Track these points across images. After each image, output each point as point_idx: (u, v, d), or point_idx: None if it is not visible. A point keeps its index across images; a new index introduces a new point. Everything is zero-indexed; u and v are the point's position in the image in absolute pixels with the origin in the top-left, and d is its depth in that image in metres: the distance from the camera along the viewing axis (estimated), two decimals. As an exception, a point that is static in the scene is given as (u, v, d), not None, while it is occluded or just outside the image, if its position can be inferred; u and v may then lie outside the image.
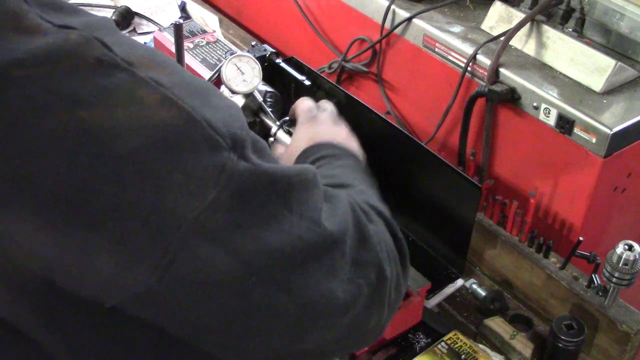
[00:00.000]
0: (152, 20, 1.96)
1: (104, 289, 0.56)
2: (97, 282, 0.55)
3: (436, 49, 1.48)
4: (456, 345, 1.17)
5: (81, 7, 0.59)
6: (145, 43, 1.81)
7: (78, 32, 0.53)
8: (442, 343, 1.18)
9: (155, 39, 1.52)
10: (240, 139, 0.59)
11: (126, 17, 1.93)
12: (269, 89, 1.33)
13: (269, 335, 0.64)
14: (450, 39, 1.44)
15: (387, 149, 1.30)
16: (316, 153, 0.96)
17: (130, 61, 0.55)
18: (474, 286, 1.30)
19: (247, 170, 0.58)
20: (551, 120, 1.29)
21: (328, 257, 0.65)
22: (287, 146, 1.08)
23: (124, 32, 1.92)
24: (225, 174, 0.56)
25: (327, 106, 1.13)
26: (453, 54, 1.44)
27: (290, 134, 1.23)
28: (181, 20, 1.10)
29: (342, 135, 1.04)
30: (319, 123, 1.06)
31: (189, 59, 1.38)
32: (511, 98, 1.34)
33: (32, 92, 0.50)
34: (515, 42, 1.40)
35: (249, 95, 1.28)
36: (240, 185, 0.57)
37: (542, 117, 1.30)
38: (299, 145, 1.01)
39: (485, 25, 1.47)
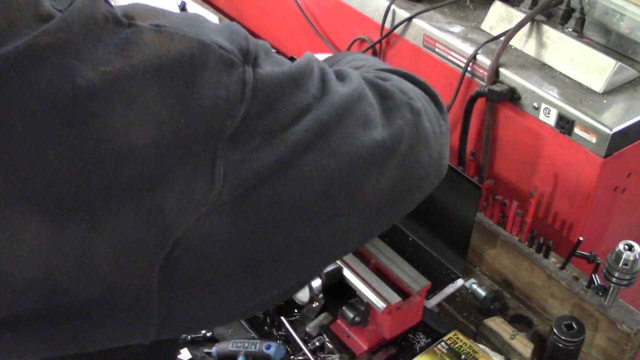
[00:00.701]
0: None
1: (171, 220, 0.58)
2: (164, 217, 0.57)
3: (436, 49, 1.48)
4: (456, 345, 1.17)
5: None
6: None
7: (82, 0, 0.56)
8: (442, 343, 1.18)
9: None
10: (250, 51, 0.62)
11: (126, 17, 1.93)
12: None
13: (331, 194, 0.67)
14: (450, 39, 1.44)
15: (387, 149, 1.30)
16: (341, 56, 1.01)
17: (129, 15, 0.58)
18: (474, 286, 1.30)
19: (265, 76, 0.61)
20: (551, 120, 1.29)
21: (358, 110, 0.70)
22: None
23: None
24: (247, 86, 0.59)
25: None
26: (453, 54, 1.44)
27: None
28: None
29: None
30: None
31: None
32: (511, 98, 1.34)
33: (58, 60, 0.52)
34: (515, 42, 1.41)
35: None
36: (264, 92, 0.61)
37: (542, 117, 1.30)
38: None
39: (485, 25, 1.47)
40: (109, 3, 0.57)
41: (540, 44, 1.38)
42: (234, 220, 0.61)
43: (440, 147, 0.82)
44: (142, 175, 0.55)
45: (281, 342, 1.20)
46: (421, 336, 1.20)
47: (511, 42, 1.39)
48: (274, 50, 0.68)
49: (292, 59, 1.45)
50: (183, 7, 2.05)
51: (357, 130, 0.69)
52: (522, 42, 1.40)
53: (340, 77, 0.74)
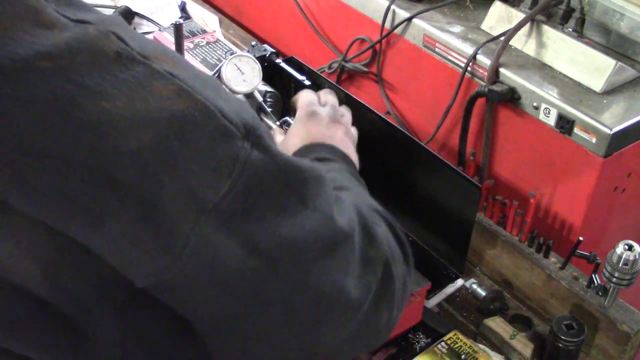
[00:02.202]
0: (152, 20, 1.96)
1: (133, 273, 0.57)
2: (125, 267, 0.56)
3: (436, 49, 1.48)
4: (456, 345, 1.17)
5: (87, 3, 0.60)
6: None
7: (95, 27, 0.54)
8: (442, 343, 1.18)
9: (155, 39, 1.52)
10: (254, 128, 0.59)
11: (126, 17, 1.92)
12: (269, 89, 1.33)
13: (284, 329, 0.64)
14: (450, 39, 1.44)
15: (387, 149, 1.30)
16: (310, 154, 0.97)
17: (145, 54, 0.56)
18: (474, 286, 1.30)
19: (261, 160, 0.59)
20: (551, 120, 1.29)
21: (341, 252, 0.66)
22: (283, 139, 1.08)
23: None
24: (239, 163, 0.57)
25: (329, 98, 1.13)
26: (453, 54, 1.44)
27: None
28: (181, 20, 1.10)
29: (338, 136, 1.03)
30: (316, 121, 1.05)
31: (189, 59, 1.38)
32: (511, 98, 1.34)
33: (58, 84, 0.51)
34: (515, 42, 1.40)
35: (249, 95, 1.28)
36: (254, 175, 0.58)
37: (542, 117, 1.30)
38: (295, 142, 1.01)
39: (485, 25, 1.47)
40: (125, 42, 0.55)
41: (540, 44, 1.38)
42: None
43: (397, 313, 0.78)
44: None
45: (281, 342, 1.20)
46: (421, 336, 1.20)
47: (511, 42, 1.39)
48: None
49: (291, 58, 1.45)
50: (183, 7, 2.05)
51: (334, 270, 0.65)
52: (522, 42, 1.40)
53: (337, 200, 0.70)
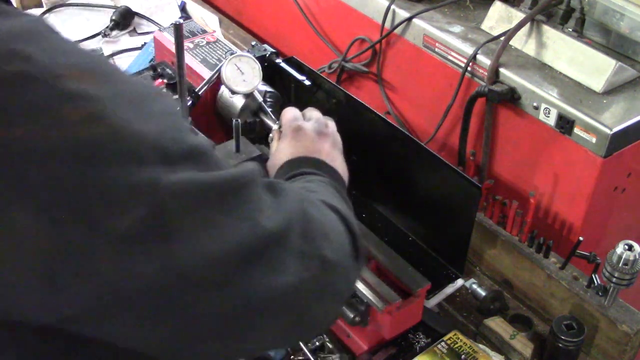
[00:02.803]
0: (152, 20, 1.96)
1: (38, 310, 0.55)
2: (31, 304, 0.55)
3: (436, 49, 1.48)
4: (456, 345, 1.17)
5: (13, 7, 0.57)
6: (145, 43, 1.81)
7: None
8: (442, 343, 1.18)
9: (155, 39, 1.52)
10: (171, 151, 0.58)
11: (126, 17, 1.93)
12: (269, 89, 1.33)
13: (214, 339, 0.64)
14: (450, 39, 1.44)
15: (387, 149, 1.30)
16: (294, 169, 0.97)
17: (56, 73, 0.53)
18: (474, 286, 1.30)
19: (175, 183, 0.57)
20: (551, 120, 1.29)
21: (268, 255, 0.65)
22: (271, 156, 1.07)
23: (123, 32, 1.92)
24: (151, 188, 0.55)
25: (313, 114, 1.11)
26: (453, 54, 1.44)
27: None
28: (181, 20, 1.10)
29: (324, 150, 1.02)
30: (301, 136, 1.04)
31: (189, 59, 1.38)
32: (511, 98, 1.34)
33: None
34: (515, 42, 1.40)
35: (249, 95, 1.28)
36: (168, 199, 0.56)
37: (542, 117, 1.30)
38: (281, 158, 1.01)
39: (485, 25, 1.47)
40: (29, 60, 0.52)
41: (540, 44, 1.38)
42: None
43: (337, 307, 0.78)
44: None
45: (281, 342, 1.20)
46: (421, 336, 1.20)
47: (511, 42, 1.39)
48: (210, 156, 0.64)
49: (291, 58, 1.45)
50: (183, 7, 2.05)
51: (260, 274, 0.64)
52: (522, 42, 1.40)
53: (274, 200, 0.69)
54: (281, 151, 1.03)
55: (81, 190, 0.53)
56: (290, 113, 1.11)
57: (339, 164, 1.02)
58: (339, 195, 0.91)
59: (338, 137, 1.09)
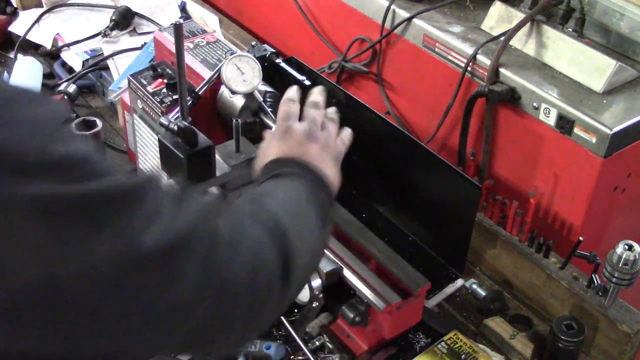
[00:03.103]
0: (152, 20, 1.96)
1: None
2: None
3: (436, 49, 1.48)
4: (456, 345, 1.17)
5: None
6: (145, 43, 1.81)
7: None
8: (442, 343, 1.18)
9: (155, 39, 1.52)
10: (29, 161, 0.54)
11: (126, 17, 1.93)
12: (269, 89, 1.33)
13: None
14: (450, 39, 1.44)
15: (387, 149, 1.30)
16: (275, 169, 0.94)
17: None
18: (474, 286, 1.30)
19: (26, 195, 0.53)
20: (551, 120, 1.29)
21: (147, 274, 0.61)
22: (257, 156, 1.05)
23: (123, 32, 1.92)
24: (2, 199, 0.52)
25: (311, 114, 1.07)
26: (453, 54, 1.44)
27: None
28: (181, 20, 1.10)
29: (312, 151, 0.98)
30: (288, 137, 1.01)
31: (189, 59, 1.38)
32: (511, 98, 1.34)
33: None
34: (515, 42, 1.40)
35: (249, 95, 1.28)
36: (18, 213, 0.53)
37: (542, 117, 1.30)
38: (265, 157, 0.99)
39: (485, 25, 1.47)
40: None
41: (540, 44, 1.38)
42: None
43: (246, 330, 0.74)
44: None
45: (281, 342, 1.20)
46: (421, 336, 1.20)
47: (511, 42, 1.39)
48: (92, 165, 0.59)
49: (291, 58, 1.45)
50: (183, 7, 2.05)
51: (139, 292, 0.60)
52: (522, 42, 1.40)
53: (177, 201, 0.66)
54: (265, 151, 1.02)
55: None
56: (284, 111, 1.07)
57: (329, 169, 0.98)
58: (311, 200, 0.88)
59: (333, 141, 1.04)
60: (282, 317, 1.23)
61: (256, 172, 0.99)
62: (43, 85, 1.77)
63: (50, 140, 0.56)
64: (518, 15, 1.40)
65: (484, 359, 1.16)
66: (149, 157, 1.41)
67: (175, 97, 1.27)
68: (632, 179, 1.35)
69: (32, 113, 0.57)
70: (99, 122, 1.49)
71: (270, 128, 1.26)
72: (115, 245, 0.58)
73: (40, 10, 1.94)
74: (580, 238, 1.18)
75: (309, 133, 1.02)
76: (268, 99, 1.32)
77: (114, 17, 1.90)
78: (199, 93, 1.25)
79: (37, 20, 1.91)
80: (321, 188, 0.93)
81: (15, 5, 1.97)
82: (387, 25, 1.56)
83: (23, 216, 0.53)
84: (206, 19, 2.01)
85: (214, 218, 0.70)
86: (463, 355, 1.16)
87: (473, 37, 1.45)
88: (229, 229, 0.70)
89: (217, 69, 1.27)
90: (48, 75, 1.82)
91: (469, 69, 1.40)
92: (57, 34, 1.89)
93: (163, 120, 1.13)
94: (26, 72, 1.75)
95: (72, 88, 1.71)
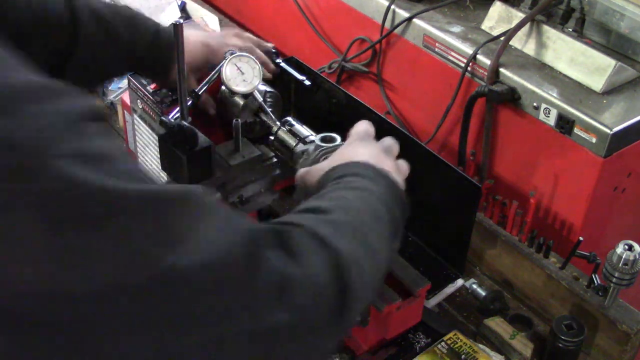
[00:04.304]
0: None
1: None
2: None
3: (436, 49, 1.48)
4: (456, 345, 1.17)
5: None
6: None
7: None
8: (442, 343, 1.18)
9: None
10: (31, 153, 0.50)
11: (126, 17, 1.93)
12: (269, 89, 1.33)
13: None
14: (450, 39, 1.44)
15: (387, 149, 1.29)
16: (344, 169, 0.90)
17: None
18: (474, 286, 1.30)
19: (29, 188, 0.50)
20: (551, 120, 1.29)
21: (163, 304, 0.54)
22: (330, 158, 1.01)
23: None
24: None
25: (388, 141, 1.05)
26: (453, 54, 1.44)
27: (291, 133, 1.22)
28: (181, 20, 1.10)
29: (386, 164, 0.95)
30: (367, 145, 0.99)
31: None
32: (511, 98, 1.34)
33: None
34: (515, 42, 1.41)
35: (249, 95, 1.28)
36: (12, 204, 0.49)
37: (542, 117, 1.30)
38: (327, 163, 0.95)
39: (485, 25, 1.47)
40: None
41: (540, 44, 1.38)
42: None
43: None
44: None
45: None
46: (421, 336, 1.20)
47: (511, 42, 1.39)
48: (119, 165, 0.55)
49: (291, 58, 1.45)
50: (183, 7, 2.05)
51: (148, 326, 0.54)
52: (522, 42, 1.40)
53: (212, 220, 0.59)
54: (340, 153, 0.99)
55: None
56: (364, 126, 1.06)
57: (400, 181, 0.95)
58: (388, 210, 0.83)
59: (403, 166, 1.02)
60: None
61: (312, 176, 0.96)
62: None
63: (46, 136, 0.52)
64: (518, 15, 1.40)
65: (484, 359, 1.16)
66: (149, 157, 1.41)
67: (175, 97, 1.27)
68: (632, 179, 1.35)
69: (41, 108, 0.53)
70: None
71: (271, 128, 1.26)
72: (125, 258, 0.53)
73: (40, 10, 1.94)
74: (580, 238, 1.18)
75: (386, 149, 1.01)
76: (268, 99, 1.32)
77: (114, 17, 1.90)
78: (199, 93, 1.25)
79: (37, 20, 1.91)
80: (399, 199, 0.90)
81: (15, 5, 1.97)
82: (387, 25, 1.56)
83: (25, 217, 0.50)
84: (206, 19, 2.01)
85: (263, 248, 0.63)
86: (463, 355, 1.16)
87: (473, 37, 1.45)
88: (282, 261, 0.63)
89: (217, 69, 1.27)
90: (48, 75, 1.82)
91: (469, 69, 1.41)
92: (57, 34, 1.89)
93: (163, 120, 1.13)
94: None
95: (72, 88, 1.71)
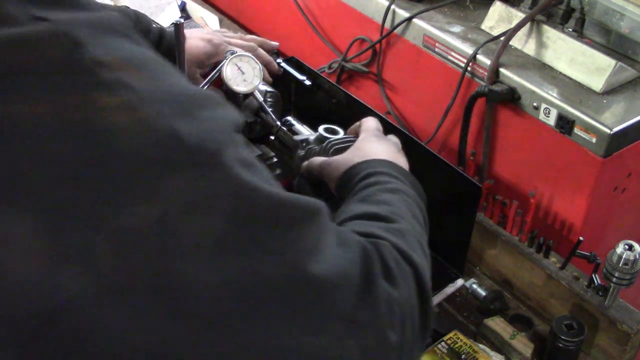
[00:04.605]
0: (152, 20, 1.96)
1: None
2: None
3: (436, 49, 1.48)
4: (456, 345, 1.17)
5: (98, 2, 0.57)
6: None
7: (48, 25, 0.51)
8: (442, 343, 1.18)
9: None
10: (210, 154, 0.54)
11: (126, 17, 1.93)
12: (269, 88, 1.33)
13: None
14: (450, 39, 1.44)
15: (387, 149, 1.29)
16: (369, 167, 0.91)
17: (100, 61, 0.52)
18: (474, 286, 1.30)
19: (206, 188, 0.53)
20: (551, 120, 1.29)
21: (307, 305, 0.58)
22: (350, 150, 1.03)
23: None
24: (173, 189, 0.52)
25: (394, 138, 1.09)
26: (453, 54, 1.44)
27: (292, 132, 1.23)
28: (181, 20, 1.10)
29: (401, 161, 0.98)
30: (381, 141, 1.01)
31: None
32: (511, 98, 1.34)
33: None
34: (515, 42, 1.41)
35: (249, 95, 1.28)
36: (192, 202, 0.52)
37: (542, 117, 1.30)
38: (351, 156, 0.96)
39: (485, 25, 1.47)
40: (79, 45, 0.51)
41: (540, 44, 1.38)
42: None
43: None
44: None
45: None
46: (421, 336, 1.20)
47: (511, 42, 1.39)
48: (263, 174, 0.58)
49: (292, 58, 1.45)
50: (183, 7, 2.05)
51: (290, 325, 0.57)
52: (522, 42, 1.40)
53: (340, 242, 0.63)
54: (359, 149, 1.00)
55: (88, 176, 0.50)
56: (374, 122, 1.09)
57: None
58: (422, 218, 0.85)
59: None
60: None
61: (333, 170, 0.98)
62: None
63: (215, 138, 0.56)
64: (518, 15, 1.40)
65: (484, 359, 1.16)
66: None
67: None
68: (632, 179, 1.35)
69: (209, 114, 0.57)
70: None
71: (272, 127, 1.26)
72: (274, 263, 0.56)
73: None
74: (581, 238, 1.18)
75: (397, 146, 1.04)
76: (268, 99, 1.32)
77: (114, 17, 1.90)
78: (199, 93, 1.25)
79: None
80: (423, 197, 0.93)
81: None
82: (387, 25, 1.56)
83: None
84: (206, 19, 2.01)
85: (373, 267, 0.66)
86: (463, 355, 1.16)
87: (473, 37, 1.45)
88: (381, 269, 0.67)
89: (217, 68, 1.27)
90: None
91: (469, 69, 1.41)
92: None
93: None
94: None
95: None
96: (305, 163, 1.08)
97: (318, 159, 1.05)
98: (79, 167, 0.50)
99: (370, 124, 1.09)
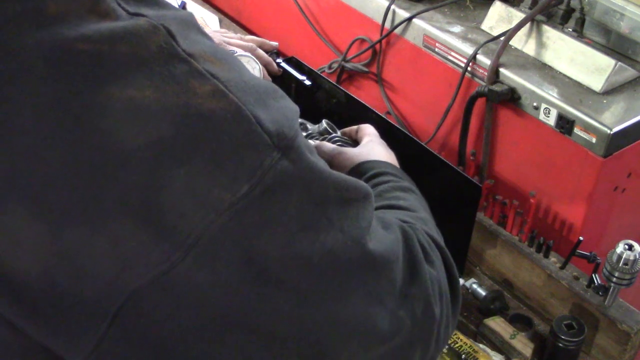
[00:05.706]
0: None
1: (127, 272, 0.54)
2: (120, 266, 0.53)
3: (436, 49, 1.48)
4: (456, 345, 1.17)
5: (168, 1, 0.60)
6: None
7: (147, 20, 0.55)
8: (442, 343, 1.18)
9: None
10: (289, 139, 0.58)
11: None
12: (269, 88, 1.33)
13: (291, 355, 0.60)
14: (450, 39, 1.44)
15: (387, 149, 1.30)
16: (378, 166, 0.98)
17: (191, 52, 0.56)
18: (474, 286, 1.30)
19: (287, 170, 0.57)
20: (551, 120, 1.29)
21: (368, 279, 0.63)
22: (359, 147, 1.08)
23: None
24: (261, 169, 0.55)
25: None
26: (453, 54, 1.44)
27: None
28: (181, 20, 1.10)
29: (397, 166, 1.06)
30: (387, 148, 1.08)
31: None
32: (511, 98, 1.34)
33: (90, 67, 0.51)
34: (515, 42, 1.41)
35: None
36: (276, 183, 0.56)
37: (542, 117, 1.30)
38: (362, 152, 1.02)
39: (485, 25, 1.47)
40: (174, 38, 0.55)
41: (540, 44, 1.38)
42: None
43: (435, 352, 0.74)
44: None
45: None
46: (421, 336, 1.20)
47: (511, 42, 1.39)
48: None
49: (292, 58, 1.45)
50: (183, 7, 2.05)
51: (356, 297, 0.62)
52: (522, 42, 1.40)
53: (383, 226, 0.68)
54: (366, 147, 1.07)
55: (184, 158, 0.53)
56: (374, 129, 1.15)
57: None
58: (430, 214, 0.92)
59: None
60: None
61: (363, 159, 1.03)
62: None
63: (289, 125, 0.60)
64: (518, 15, 1.40)
65: (484, 358, 1.16)
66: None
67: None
68: (632, 179, 1.35)
69: (278, 104, 0.61)
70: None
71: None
72: (341, 240, 0.61)
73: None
74: (581, 238, 1.18)
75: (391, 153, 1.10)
76: (268, 99, 1.32)
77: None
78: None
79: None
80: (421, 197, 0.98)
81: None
82: (387, 25, 1.56)
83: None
84: (206, 19, 2.01)
85: (413, 244, 0.72)
86: (463, 355, 1.16)
87: (473, 37, 1.45)
88: (419, 249, 0.73)
89: (217, 69, 1.27)
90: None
91: (469, 69, 1.41)
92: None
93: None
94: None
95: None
96: (315, 143, 1.11)
97: (329, 145, 1.10)
98: (183, 147, 0.53)
99: (372, 129, 1.14)
